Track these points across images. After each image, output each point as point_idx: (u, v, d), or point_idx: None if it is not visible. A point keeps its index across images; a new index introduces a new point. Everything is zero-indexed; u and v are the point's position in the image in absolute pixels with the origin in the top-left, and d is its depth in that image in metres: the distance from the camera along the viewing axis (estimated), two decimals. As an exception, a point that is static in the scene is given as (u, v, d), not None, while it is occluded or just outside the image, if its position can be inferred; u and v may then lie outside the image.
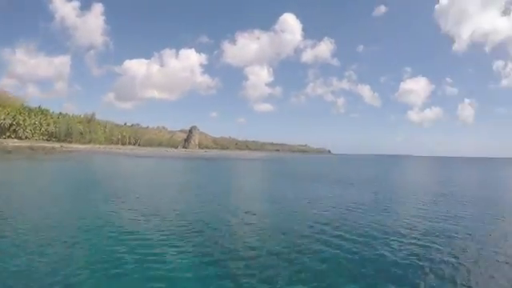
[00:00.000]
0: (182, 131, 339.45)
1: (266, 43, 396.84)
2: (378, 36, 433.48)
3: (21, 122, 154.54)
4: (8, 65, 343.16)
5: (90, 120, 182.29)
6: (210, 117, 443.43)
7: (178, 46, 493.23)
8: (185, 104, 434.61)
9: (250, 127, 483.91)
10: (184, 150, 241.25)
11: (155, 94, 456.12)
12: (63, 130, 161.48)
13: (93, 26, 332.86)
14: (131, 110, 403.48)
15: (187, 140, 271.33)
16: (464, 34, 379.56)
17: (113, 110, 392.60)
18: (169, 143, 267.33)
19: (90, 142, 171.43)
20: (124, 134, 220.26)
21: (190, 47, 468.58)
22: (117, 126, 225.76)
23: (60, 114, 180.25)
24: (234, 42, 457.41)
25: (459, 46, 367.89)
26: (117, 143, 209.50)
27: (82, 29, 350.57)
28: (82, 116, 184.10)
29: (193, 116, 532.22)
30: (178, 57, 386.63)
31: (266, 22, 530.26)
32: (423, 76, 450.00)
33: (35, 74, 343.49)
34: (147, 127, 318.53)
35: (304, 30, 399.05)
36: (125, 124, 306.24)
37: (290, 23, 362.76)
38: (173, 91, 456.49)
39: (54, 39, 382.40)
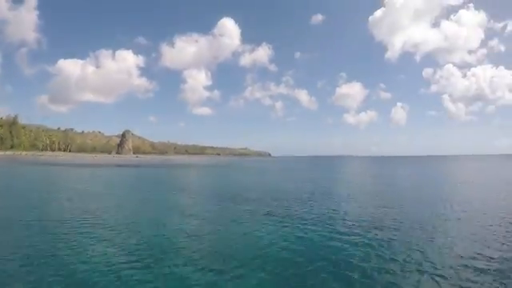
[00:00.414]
0: (118, 136, 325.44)
1: (205, 47, 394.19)
2: (314, 43, 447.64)
3: None
4: None
5: (12, 123, 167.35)
6: (148, 121, 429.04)
7: (114, 47, 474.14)
8: (122, 107, 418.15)
9: (190, 131, 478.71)
10: (117, 155, 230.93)
11: (91, 96, 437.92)
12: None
13: (25, 20, 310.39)
14: (67, 114, 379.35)
15: (120, 145, 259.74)
16: (396, 44, 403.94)
17: (47, 113, 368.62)
18: (104, 148, 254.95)
19: (11, 147, 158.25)
20: (53, 139, 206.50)
21: (127, 48, 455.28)
22: (45, 130, 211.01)
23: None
24: (172, 44, 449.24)
25: (392, 54, 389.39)
26: (45, 149, 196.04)
27: (14, 23, 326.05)
28: (3, 119, 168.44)
29: (131, 120, 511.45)
30: (114, 58, 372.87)
31: (205, 25, 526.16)
32: (358, 81, 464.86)
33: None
34: (82, 132, 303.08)
35: (242, 34, 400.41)
36: (58, 129, 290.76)
37: (229, 28, 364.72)
38: (109, 94, 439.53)
39: None
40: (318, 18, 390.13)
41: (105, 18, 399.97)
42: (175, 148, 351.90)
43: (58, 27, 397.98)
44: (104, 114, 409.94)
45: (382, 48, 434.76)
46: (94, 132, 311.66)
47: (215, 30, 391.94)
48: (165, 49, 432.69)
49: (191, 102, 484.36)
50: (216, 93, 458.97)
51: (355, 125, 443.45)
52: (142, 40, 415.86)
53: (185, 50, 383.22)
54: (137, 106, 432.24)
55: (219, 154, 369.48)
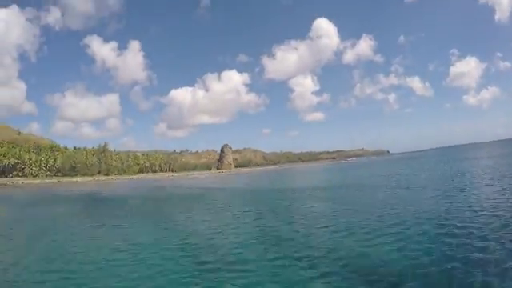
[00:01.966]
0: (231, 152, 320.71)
1: (305, 52, 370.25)
2: (415, 23, 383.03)
3: (26, 161, 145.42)
4: (60, 108, 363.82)
5: (102, 151, 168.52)
6: (263, 133, 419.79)
7: (218, 69, 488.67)
8: (236, 125, 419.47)
9: (303, 138, 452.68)
10: (218, 171, 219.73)
11: (205, 119, 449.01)
12: (67, 165, 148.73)
13: (133, 63, 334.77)
14: (184, 137, 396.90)
15: (220, 160, 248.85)
16: (504, 1, 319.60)
17: (166, 138, 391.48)
18: (207, 166, 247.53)
19: (99, 172, 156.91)
20: (152, 161, 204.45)
21: (231, 68, 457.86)
22: (145, 154, 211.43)
23: (74, 148, 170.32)
24: (272, 56, 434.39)
25: (501, 14, 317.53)
26: (146, 171, 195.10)
27: (123, 67, 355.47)
28: (95, 148, 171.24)
29: (246, 135, 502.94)
30: (220, 79, 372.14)
31: (300, 30, 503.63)
32: (472, 56, 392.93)
33: (87, 115, 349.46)
34: (196, 152, 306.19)
35: (339, 31, 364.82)
36: (174, 151, 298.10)
37: (324, 27, 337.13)
38: (222, 114, 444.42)
39: (99, 80, 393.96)
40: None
41: (203, 45, 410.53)
42: (288, 157, 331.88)
43: (164, 62, 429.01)
44: (219, 132, 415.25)
45: (489, 10, 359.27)
46: (207, 151, 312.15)
47: (312, 33, 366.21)
48: (266, 61, 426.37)
49: (302, 109, 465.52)
50: (325, 96, 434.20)
51: (477, 106, 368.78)
52: (243, 57, 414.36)
53: (286, 59, 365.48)
54: (250, 121, 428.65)
55: (334, 158, 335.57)
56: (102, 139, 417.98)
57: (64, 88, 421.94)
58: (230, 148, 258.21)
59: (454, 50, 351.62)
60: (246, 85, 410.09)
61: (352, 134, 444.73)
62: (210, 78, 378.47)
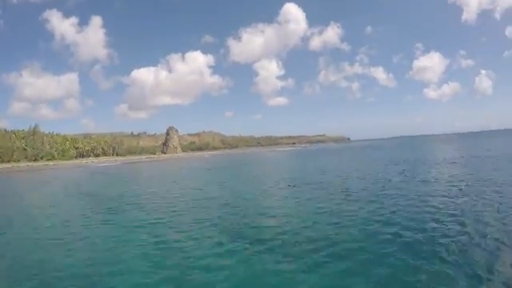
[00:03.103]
0: (190, 135, 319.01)
1: (272, 36, 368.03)
2: (384, 15, 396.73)
3: None
4: (17, 88, 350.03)
5: (32, 134, 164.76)
6: (225, 117, 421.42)
7: (183, 50, 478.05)
8: (199, 107, 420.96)
9: (266, 123, 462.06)
10: (163, 155, 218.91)
11: (167, 100, 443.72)
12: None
13: (94, 39, 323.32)
14: (145, 119, 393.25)
15: (165, 144, 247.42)
16: (472, 2, 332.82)
17: (128, 120, 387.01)
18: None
19: (26, 158, 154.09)
20: (94, 144, 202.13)
21: (196, 49, 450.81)
22: (86, 136, 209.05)
23: (5, 131, 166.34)
24: (238, 38, 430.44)
25: (468, 15, 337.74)
26: (87, 155, 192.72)
27: (83, 44, 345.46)
28: (24, 131, 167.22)
29: (209, 118, 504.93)
30: (184, 60, 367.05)
31: (269, 14, 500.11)
32: (436, 51, 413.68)
33: (45, 95, 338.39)
34: (154, 134, 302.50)
35: (308, 17, 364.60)
36: (131, 133, 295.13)
37: (293, 13, 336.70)
38: (185, 95, 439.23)
39: (58, 58, 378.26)
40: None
41: (168, 23, 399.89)
42: (247, 141, 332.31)
43: (126, 40, 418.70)
44: (181, 114, 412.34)
45: (457, 9, 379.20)
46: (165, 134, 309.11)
47: (280, 18, 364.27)
48: (232, 44, 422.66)
49: (265, 94, 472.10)
50: (290, 81, 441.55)
51: (437, 100, 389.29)
52: (208, 38, 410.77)
53: (252, 42, 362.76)
54: (213, 103, 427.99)
55: (294, 143, 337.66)
56: (61, 120, 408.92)
57: (21, 66, 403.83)
58: (177, 131, 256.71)
59: (419, 45, 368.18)
60: (210, 66, 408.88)
61: (314, 120, 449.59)
62: (174, 59, 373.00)
